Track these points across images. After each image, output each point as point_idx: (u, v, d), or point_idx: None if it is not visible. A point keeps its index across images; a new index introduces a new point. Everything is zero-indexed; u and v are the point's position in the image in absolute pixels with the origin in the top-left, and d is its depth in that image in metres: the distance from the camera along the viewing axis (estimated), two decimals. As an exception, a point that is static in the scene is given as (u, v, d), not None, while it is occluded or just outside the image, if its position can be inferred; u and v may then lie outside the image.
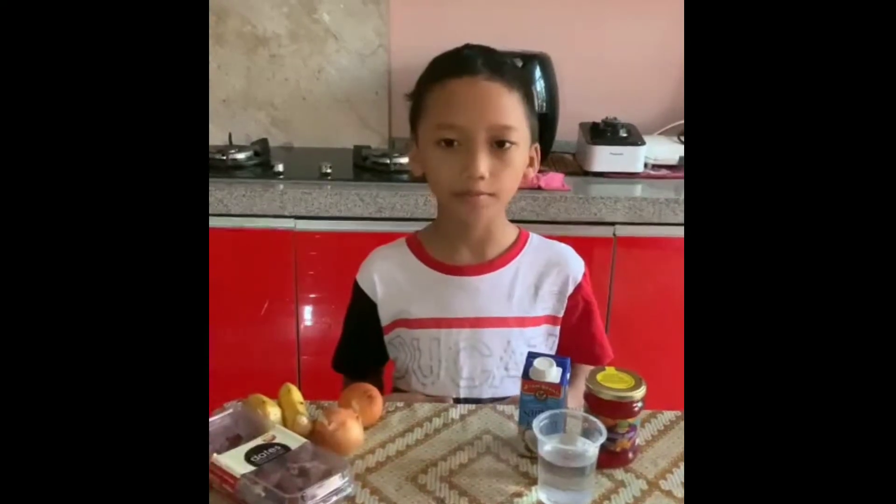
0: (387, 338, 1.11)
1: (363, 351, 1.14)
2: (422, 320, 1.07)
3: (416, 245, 1.11)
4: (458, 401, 1.05)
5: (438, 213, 1.11)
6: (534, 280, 1.08)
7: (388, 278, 1.09)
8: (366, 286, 1.10)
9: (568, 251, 1.12)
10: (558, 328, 1.10)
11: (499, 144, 0.97)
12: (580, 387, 0.96)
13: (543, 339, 1.10)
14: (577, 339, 1.12)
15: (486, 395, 1.07)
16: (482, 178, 0.96)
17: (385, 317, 1.10)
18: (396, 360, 1.12)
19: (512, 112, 0.98)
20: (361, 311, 1.11)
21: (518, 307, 1.07)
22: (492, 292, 1.07)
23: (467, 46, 1.03)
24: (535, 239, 1.12)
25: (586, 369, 1.14)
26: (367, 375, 1.15)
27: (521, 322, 1.07)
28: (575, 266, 1.11)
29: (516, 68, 1.05)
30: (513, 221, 1.15)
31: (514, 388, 1.04)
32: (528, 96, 1.01)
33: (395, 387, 1.14)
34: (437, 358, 1.07)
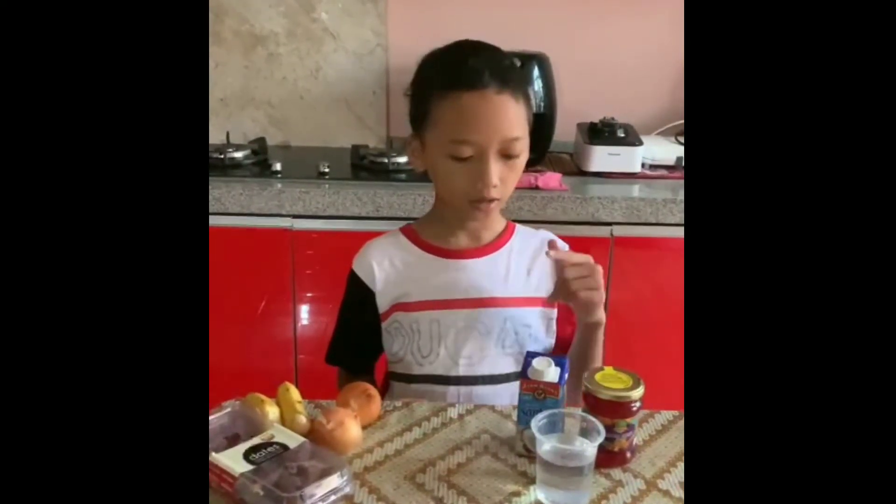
0: (384, 325, 1.13)
1: (360, 342, 1.16)
2: (421, 303, 1.10)
3: (412, 233, 1.15)
4: (458, 379, 1.09)
5: (436, 205, 1.15)
6: (526, 263, 1.13)
7: (387, 265, 1.12)
8: (364, 275, 1.12)
9: (550, 234, 1.17)
10: (555, 311, 1.13)
11: (508, 154, 1.02)
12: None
13: (539, 322, 1.12)
14: (569, 315, 1.13)
15: (484, 371, 1.10)
16: (495, 186, 1.02)
17: (383, 304, 1.12)
18: (391, 346, 1.13)
19: (520, 122, 1.03)
20: (358, 301, 1.13)
21: (513, 287, 1.12)
22: (489, 273, 1.11)
23: (469, 49, 1.04)
24: (520, 226, 1.18)
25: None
26: (362, 370, 1.16)
27: (517, 302, 1.11)
28: (559, 244, 1.13)
29: (515, 69, 1.08)
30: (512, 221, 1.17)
31: (508, 366, 1.09)
32: (527, 98, 1.05)
33: (391, 370, 1.15)
34: (437, 338, 1.09)
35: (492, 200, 1.03)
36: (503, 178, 1.02)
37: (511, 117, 1.01)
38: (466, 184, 1.02)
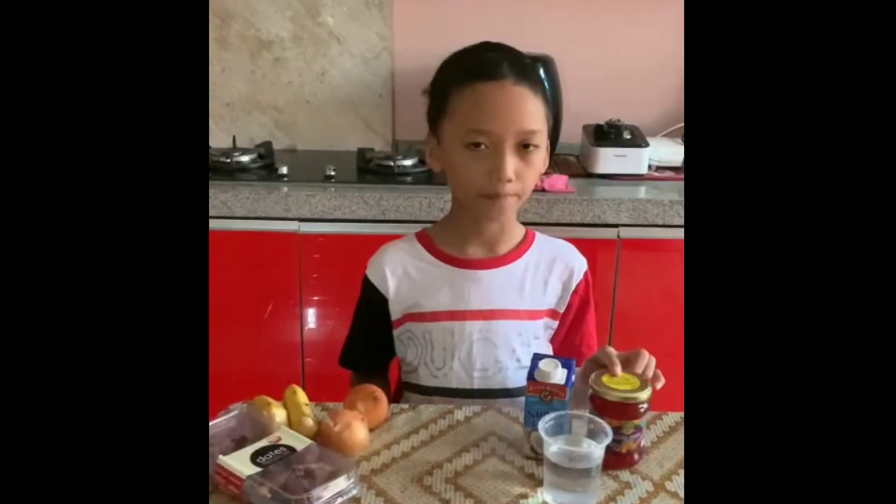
0: (396, 332, 1.12)
1: (372, 346, 1.15)
2: (435, 313, 1.09)
3: (427, 240, 1.13)
4: (472, 392, 1.08)
5: (453, 210, 1.13)
6: (543, 274, 1.11)
7: (400, 272, 1.10)
8: (377, 280, 1.11)
9: (571, 247, 1.16)
10: (556, 322, 1.13)
11: (524, 147, 1.00)
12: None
13: (544, 332, 1.12)
14: (569, 335, 1.15)
15: (499, 385, 1.09)
16: (510, 180, 0.99)
17: (395, 311, 1.11)
18: (405, 355, 1.12)
19: (537, 115, 1.01)
20: (371, 305, 1.12)
21: (529, 300, 1.10)
22: (504, 285, 1.09)
23: (489, 46, 1.04)
24: (540, 236, 1.16)
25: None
26: (376, 372, 1.15)
27: (531, 315, 1.10)
28: (578, 260, 1.14)
29: (535, 67, 1.07)
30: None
31: (524, 379, 1.04)
32: (546, 96, 1.04)
33: (405, 381, 1.15)
34: (450, 350, 1.08)
35: (507, 196, 1.01)
36: (519, 174, 1.00)
37: (528, 109, 1.00)
38: (481, 177, 1.00)
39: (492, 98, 0.99)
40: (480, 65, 1.01)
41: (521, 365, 1.08)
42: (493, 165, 0.99)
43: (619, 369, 0.92)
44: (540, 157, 1.03)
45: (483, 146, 0.99)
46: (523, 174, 1.01)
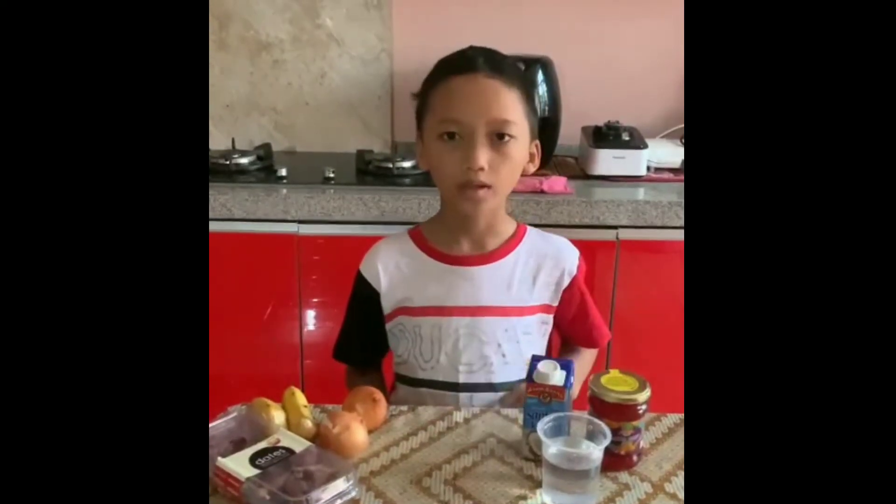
0: (388, 326, 1.14)
1: (365, 340, 1.17)
2: (424, 308, 1.10)
3: (419, 236, 1.15)
4: (457, 386, 1.09)
5: (441, 206, 1.15)
6: (532, 271, 1.12)
7: (392, 268, 1.12)
8: (370, 276, 1.13)
9: (563, 243, 1.17)
10: (551, 316, 1.14)
11: (498, 137, 1.02)
12: (583, 369, 1.08)
13: (537, 327, 1.13)
14: (575, 328, 1.18)
15: (484, 379, 1.10)
16: (481, 169, 1.01)
17: (387, 305, 1.13)
18: (397, 348, 1.14)
19: (510, 107, 1.02)
20: (364, 300, 1.14)
21: (516, 297, 1.11)
22: (492, 282, 1.11)
23: (471, 48, 1.07)
24: (532, 232, 1.16)
25: (588, 352, 1.22)
26: (369, 367, 1.16)
27: (520, 311, 1.11)
28: (570, 259, 1.15)
29: (516, 67, 1.10)
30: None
31: (509, 374, 1.10)
32: (527, 94, 1.06)
33: (397, 372, 1.16)
34: (437, 344, 1.10)
35: (481, 187, 1.02)
36: (493, 165, 1.01)
37: (501, 100, 1.01)
38: (455, 167, 1.02)
39: (464, 89, 1.01)
40: (457, 61, 1.04)
41: (507, 361, 1.10)
42: (464, 155, 1.01)
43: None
44: (517, 150, 1.04)
45: (457, 137, 1.01)
46: (497, 166, 1.02)
